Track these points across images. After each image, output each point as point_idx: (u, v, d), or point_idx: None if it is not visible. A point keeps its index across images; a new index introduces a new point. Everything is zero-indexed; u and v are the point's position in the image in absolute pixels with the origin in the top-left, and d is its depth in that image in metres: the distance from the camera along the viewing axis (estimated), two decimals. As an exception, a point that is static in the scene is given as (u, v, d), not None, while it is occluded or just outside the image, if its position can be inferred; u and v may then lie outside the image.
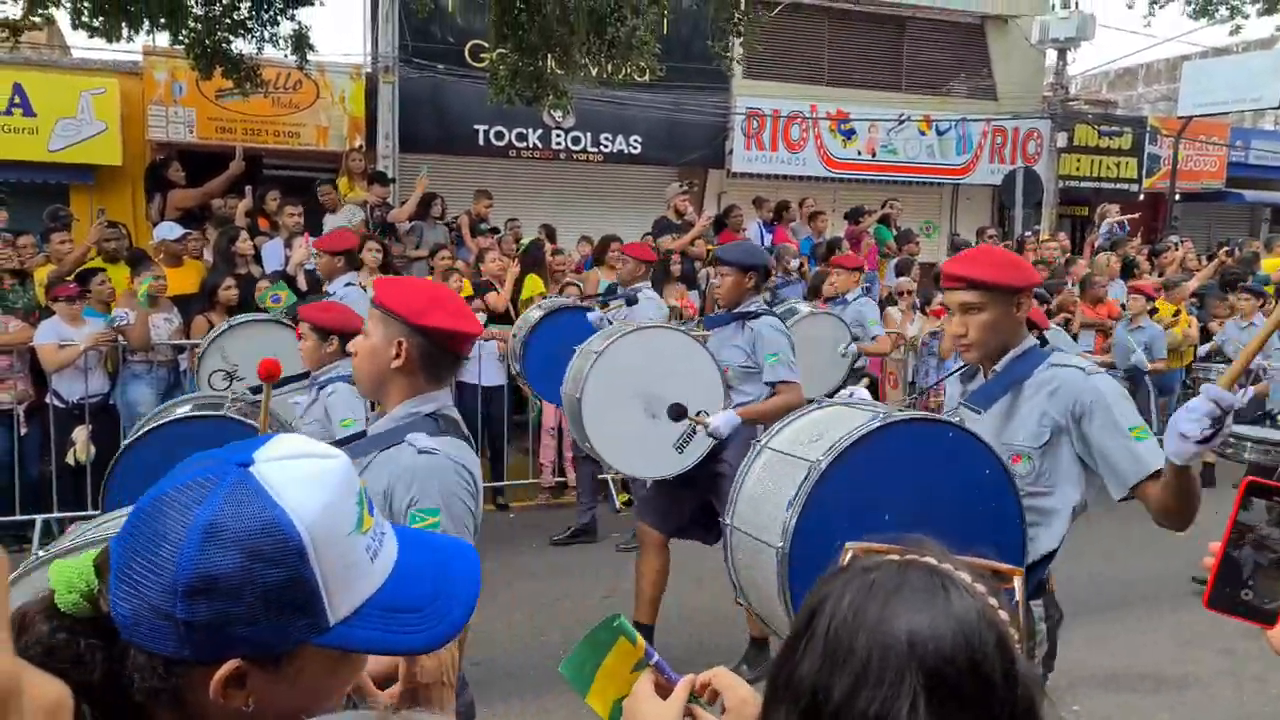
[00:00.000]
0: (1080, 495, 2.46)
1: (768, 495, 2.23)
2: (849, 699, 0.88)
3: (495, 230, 9.16)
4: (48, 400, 6.16)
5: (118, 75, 9.81)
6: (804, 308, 6.48)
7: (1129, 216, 12.25)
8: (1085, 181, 14.37)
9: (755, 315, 4.32)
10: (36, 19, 7.47)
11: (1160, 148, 14.71)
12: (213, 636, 0.83)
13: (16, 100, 9.28)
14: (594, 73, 8.40)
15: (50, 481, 6.17)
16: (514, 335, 6.08)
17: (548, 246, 8.52)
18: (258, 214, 8.36)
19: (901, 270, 9.45)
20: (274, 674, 0.87)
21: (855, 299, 6.98)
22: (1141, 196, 14.73)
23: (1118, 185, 14.55)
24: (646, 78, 8.92)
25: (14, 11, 7.32)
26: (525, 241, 8.59)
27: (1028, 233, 11.93)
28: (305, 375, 4.10)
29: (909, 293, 8.58)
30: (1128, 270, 10.16)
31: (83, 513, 6.06)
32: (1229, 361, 7.90)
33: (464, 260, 8.17)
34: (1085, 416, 2.37)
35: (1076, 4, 13.56)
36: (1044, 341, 5.53)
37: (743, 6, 8.65)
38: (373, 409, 3.76)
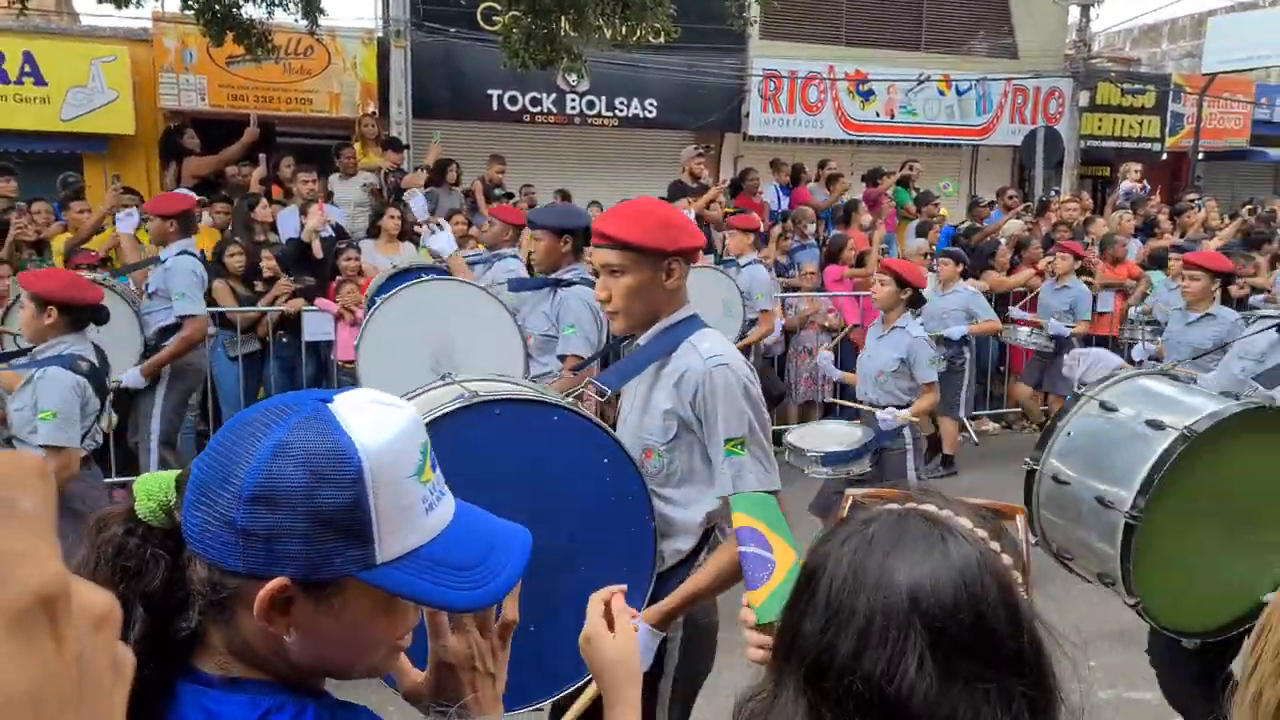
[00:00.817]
0: (717, 501, 2.16)
1: None
2: (854, 659, 0.89)
3: (510, 195, 9.10)
4: (69, 369, 6.17)
5: (128, 43, 9.74)
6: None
7: (1138, 177, 11.97)
8: (1107, 141, 14.13)
9: (568, 284, 4.07)
10: (45, -15, 7.40)
11: (1184, 105, 14.43)
12: (265, 548, 0.87)
13: (27, 69, 9.23)
14: (608, 35, 8.28)
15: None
16: (366, 296, 5.82)
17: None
18: (272, 182, 8.33)
19: (922, 232, 9.35)
20: (319, 603, 0.90)
21: (748, 264, 6.66)
22: (1164, 156, 14.48)
23: (1140, 144, 14.31)
24: (661, 39, 8.76)
25: (23, -23, 7.27)
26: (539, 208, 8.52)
27: (1052, 192, 11.75)
28: (27, 350, 3.78)
29: (927, 255, 8.47)
30: (1149, 230, 10.00)
31: (108, 479, 6.10)
32: (1155, 323, 7.49)
33: (479, 226, 8.11)
34: (700, 414, 2.13)
35: (1100, -42, 13.24)
36: (919, 302, 4.94)
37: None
38: (101, 404, 3.74)
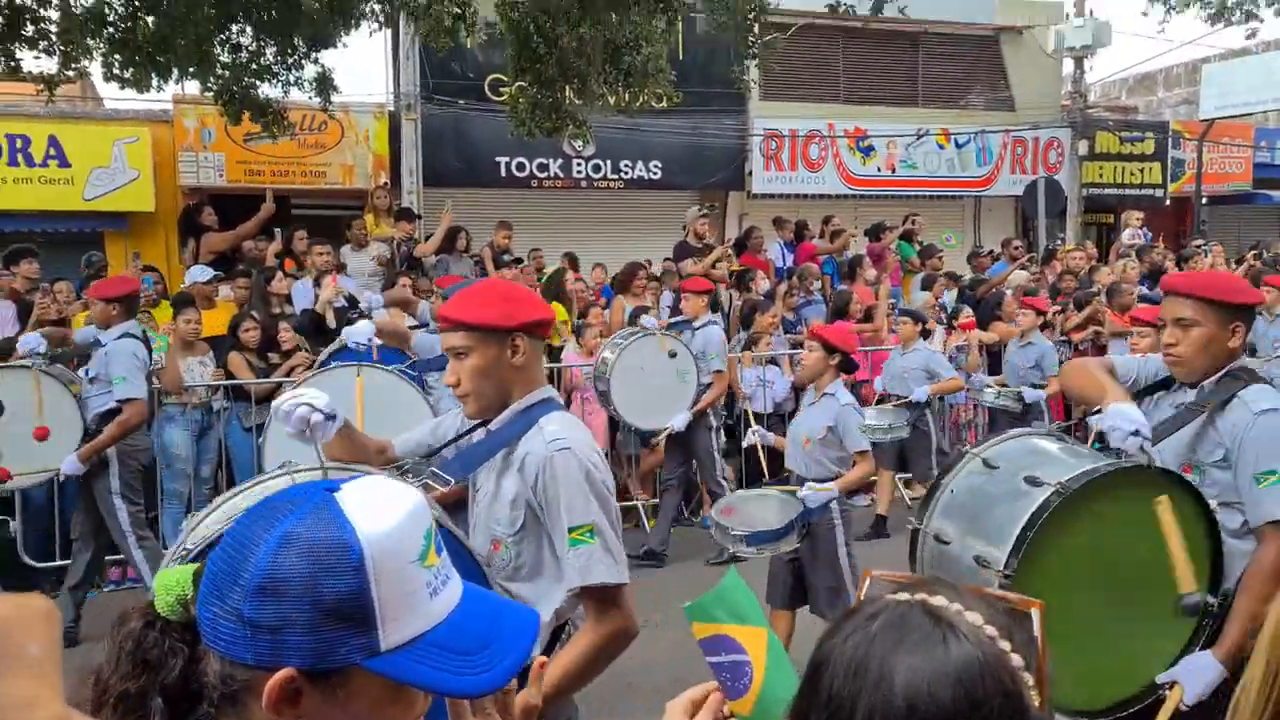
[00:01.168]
0: (565, 596, 2.01)
1: None
2: None
3: (519, 260, 9.27)
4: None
5: (149, 124, 10.08)
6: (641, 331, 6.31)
7: (1139, 224, 12.06)
8: (1109, 189, 14.26)
9: None
10: (70, 73, 7.69)
11: (1184, 151, 14.58)
12: (272, 639, 0.89)
13: (52, 152, 9.56)
14: (612, 101, 8.50)
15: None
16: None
17: (570, 274, 8.58)
18: (286, 254, 8.53)
19: (927, 285, 9.44)
20: (326, 693, 0.91)
21: (702, 325, 6.57)
22: (1168, 201, 14.59)
23: (1143, 191, 14.43)
24: (664, 104, 9.00)
25: (49, 66, 7.57)
26: (549, 271, 8.67)
27: (1056, 241, 11.84)
28: None
29: (932, 308, 8.56)
30: (1155, 277, 10.05)
31: (119, 556, 6.13)
32: (1005, 384, 7.42)
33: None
34: (541, 500, 2.00)
35: (1091, 12, 13.52)
36: (850, 367, 4.65)
37: (756, 30, 8.74)
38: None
